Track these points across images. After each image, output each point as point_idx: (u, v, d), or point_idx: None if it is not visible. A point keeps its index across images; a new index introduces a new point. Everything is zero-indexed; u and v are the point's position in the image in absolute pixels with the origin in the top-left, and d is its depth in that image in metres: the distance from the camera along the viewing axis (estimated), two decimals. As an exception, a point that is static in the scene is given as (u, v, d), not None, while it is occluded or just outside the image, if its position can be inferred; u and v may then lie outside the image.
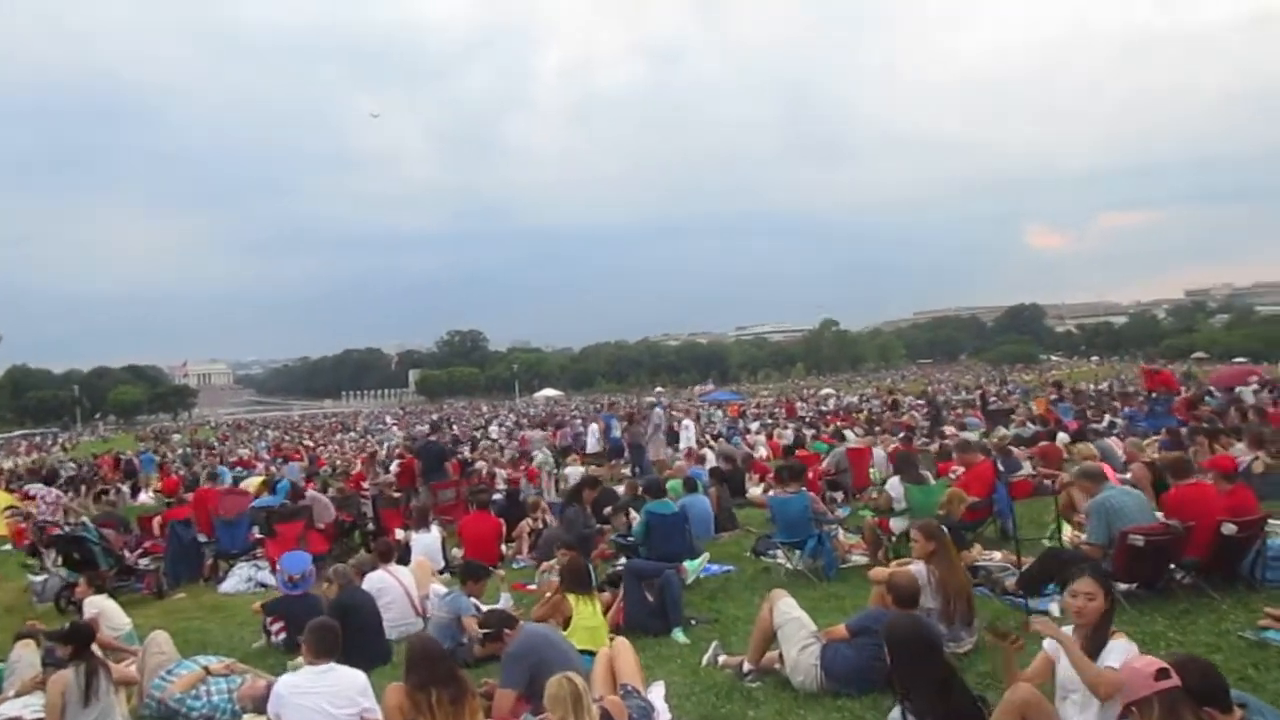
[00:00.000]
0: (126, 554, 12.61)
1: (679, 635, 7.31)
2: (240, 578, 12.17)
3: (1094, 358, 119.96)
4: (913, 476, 8.95)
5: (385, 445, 37.30)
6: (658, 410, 22.15)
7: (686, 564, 8.96)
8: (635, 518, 10.58)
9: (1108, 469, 10.27)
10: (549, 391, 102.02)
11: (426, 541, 11.42)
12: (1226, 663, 5.36)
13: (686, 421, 23.89)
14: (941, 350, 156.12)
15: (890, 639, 4.15)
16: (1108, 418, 20.63)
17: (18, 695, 6.80)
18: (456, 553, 12.12)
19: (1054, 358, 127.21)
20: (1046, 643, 4.44)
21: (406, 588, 8.75)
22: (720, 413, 36.01)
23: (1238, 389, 20.39)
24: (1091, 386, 42.04)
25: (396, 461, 20.85)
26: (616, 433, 21.55)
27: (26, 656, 7.37)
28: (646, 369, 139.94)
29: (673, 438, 21.71)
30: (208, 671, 6.81)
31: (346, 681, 5.25)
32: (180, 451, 45.80)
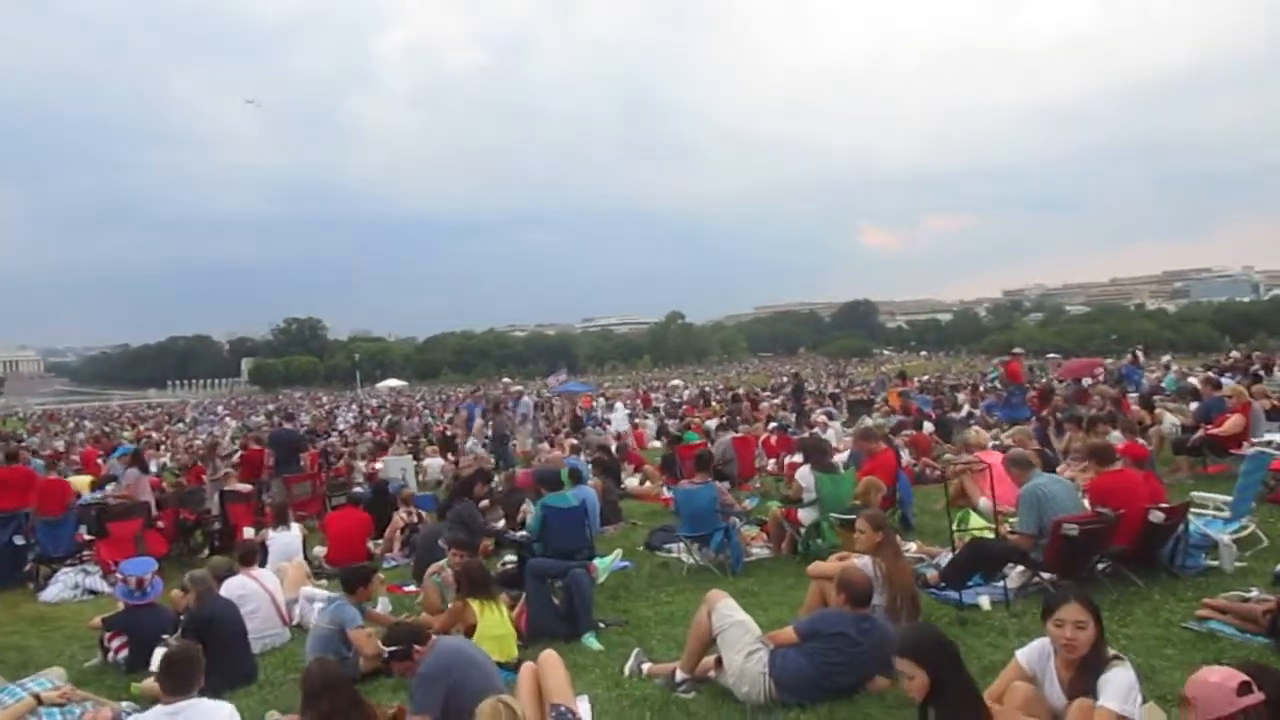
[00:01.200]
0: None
1: (591, 641, 6.68)
2: (65, 584, 10.69)
3: (923, 352, 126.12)
4: (823, 465, 8.61)
5: (227, 435, 34.93)
6: (526, 399, 21.40)
7: (597, 561, 8.34)
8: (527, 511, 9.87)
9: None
10: (393, 382, 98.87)
11: (286, 540, 10.34)
12: (1181, 656, 5.19)
13: (617, 405, 23.02)
14: (781, 344, 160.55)
15: (919, 650, 3.65)
16: (966, 408, 21.25)
17: None
18: (319, 551, 11.10)
19: (886, 351, 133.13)
20: (1023, 655, 4.05)
21: (272, 593, 7.78)
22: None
23: (1084, 380, 21.35)
24: (932, 378, 43.74)
25: (239, 453, 19.29)
26: (475, 423, 20.63)
27: None
28: (493, 359, 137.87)
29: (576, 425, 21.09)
30: (39, 700, 5.69)
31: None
32: None
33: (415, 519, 11.16)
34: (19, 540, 11.44)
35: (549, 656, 4.98)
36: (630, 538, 10.74)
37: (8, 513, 11.85)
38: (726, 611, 5.37)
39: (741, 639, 5.23)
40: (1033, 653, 3.98)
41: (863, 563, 5.66)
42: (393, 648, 4.73)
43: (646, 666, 5.91)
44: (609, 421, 25.21)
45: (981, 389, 26.61)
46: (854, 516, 7.56)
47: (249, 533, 12.16)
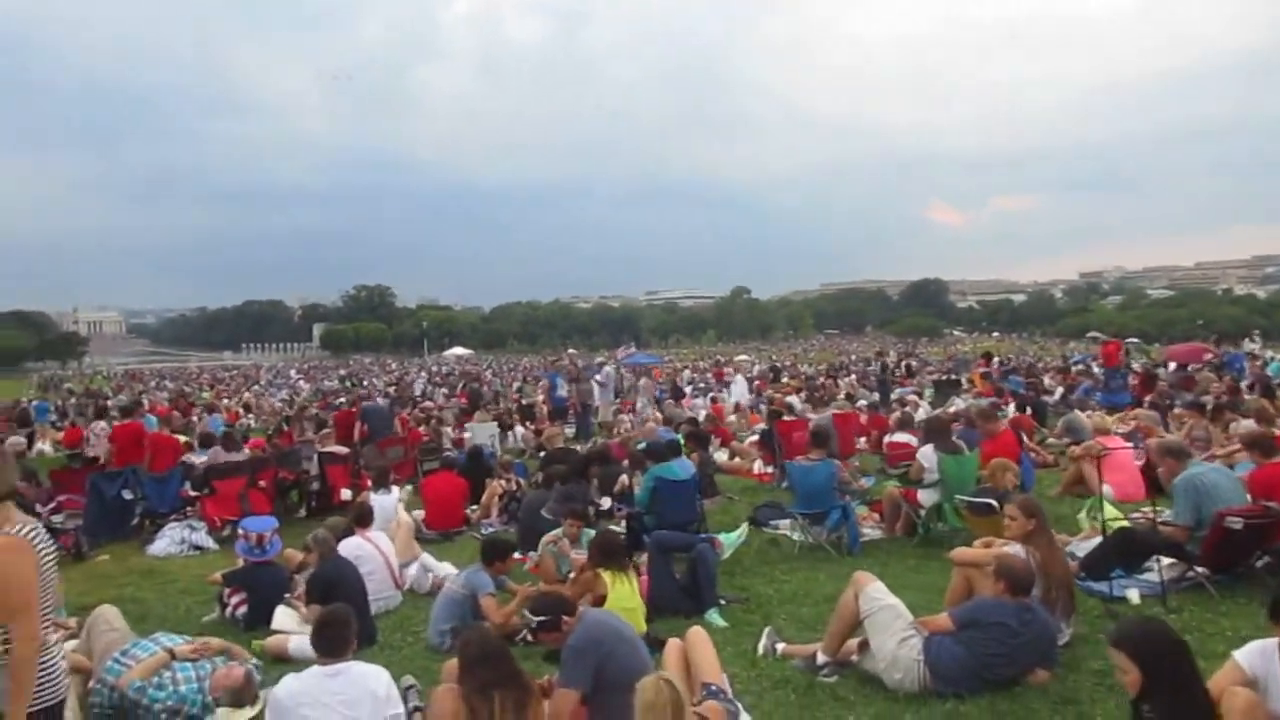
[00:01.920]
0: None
1: (716, 618, 6.51)
2: (172, 539, 10.85)
3: (995, 333, 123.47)
4: (947, 445, 8.29)
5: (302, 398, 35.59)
6: (607, 369, 21.31)
7: (722, 536, 8.17)
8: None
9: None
10: (458, 350, 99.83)
11: (386, 503, 10.29)
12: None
13: (737, 377, 22.64)
14: (848, 321, 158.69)
15: (1134, 645, 3.40)
16: (1059, 391, 20.61)
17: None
18: (417, 515, 11.11)
19: (957, 331, 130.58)
20: (1242, 657, 3.73)
21: (386, 556, 7.75)
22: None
23: (1191, 366, 20.53)
24: (1018, 360, 42.63)
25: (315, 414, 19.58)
26: (562, 392, 20.60)
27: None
28: (558, 330, 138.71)
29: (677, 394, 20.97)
30: (172, 655, 5.72)
31: (365, 683, 4.31)
32: (73, 401, 42.94)
33: (514, 486, 11.10)
34: (127, 495, 11.67)
35: (698, 633, 4.82)
36: (730, 513, 10.55)
37: (118, 468, 12.18)
38: (876, 595, 5.15)
39: (893, 624, 5.01)
40: (1254, 655, 3.67)
41: (1014, 550, 5.38)
42: (541, 618, 4.61)
43: (781, 647, 5.72)
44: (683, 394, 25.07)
45: (1073, 371, 25.77)
46: (984, 500, 7.32)
47: (346, 494, 12.31)
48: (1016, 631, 4.78)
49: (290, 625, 6.83)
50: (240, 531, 7.45)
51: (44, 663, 3.17)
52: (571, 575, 7.25)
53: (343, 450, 13.16)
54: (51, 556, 3.32)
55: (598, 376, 20.81)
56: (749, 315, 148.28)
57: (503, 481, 11.19)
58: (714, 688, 4.44)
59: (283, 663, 6.35)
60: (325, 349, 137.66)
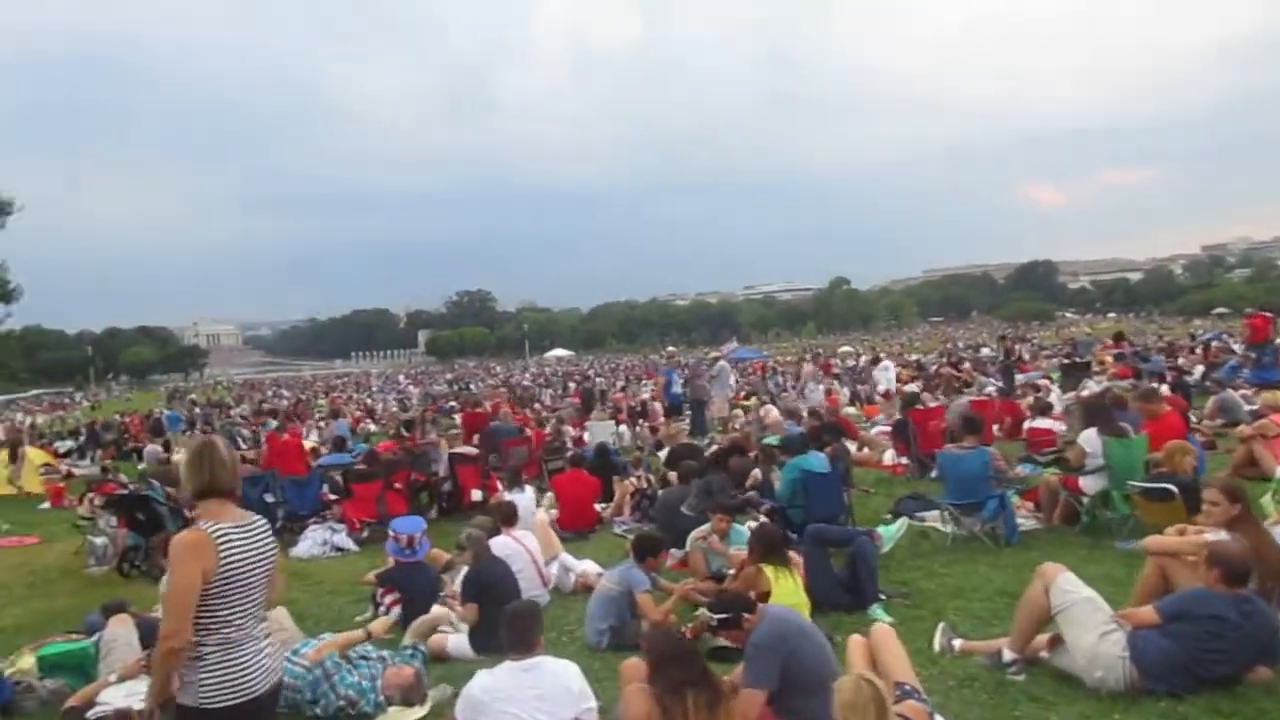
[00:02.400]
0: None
1: (880, 613, 6.26)
2: (314, 541, 11.13)
3: (1110, 314, 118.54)
4: (1111, 428, 7.83)
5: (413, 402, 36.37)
6: (723, 364, 21.10)
7: (881, 529, 7.92)
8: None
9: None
10: (559, 351, 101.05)
11: (522, 502, 10.33)
12: None
13: (886, 363, 22.04)
14: (953, 308, 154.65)
15: None
16: (1199, 369, 19.55)
17: (120, 680, 5.81)
18: (551, 513, 11.11)
19: (1068, 314, 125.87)
20: None
21: (533, 554, 7.72)
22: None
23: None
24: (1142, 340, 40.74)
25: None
26: (677, 388, 20.50)
27: (123, 635, 6.40)
28: (657, 328, 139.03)
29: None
30: (369, 635, 5.96)
31: (558, 679, 4.25)
32: (198, 411, 44.87)
33: (646, 484, 11.00)
34: (269, 498, 12.01)
35: (884, 630, 4.61)
36: (867, 505, 10.23)
37: (258, 473, 12.56)
38: (1068, 587, 4.84)
39: (1092, 617, 4.70)
40: None
41: (1217, 537, 5.00)
42: (722, 615, 4.47)
43: (959, 643, 5.45)
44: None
45: (1213, 347, 24.37)
46: (1162, 486, 6.89)
47: (476, 495, 12.43)
48: (1237, 624, 4.42)
49: (446, 625, 6.85)
50: (391, 533, 7.52)
51: (230, 661, 3.16)
52: (730, 572, 7.11)
53: (472, 451, 13.30)
54: (254, 554, 3.29)
55: (713, 372, 20.60)
56: (849, 306, 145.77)
57: (635, 479, 11.10)
58: (908, 687, 4.22)
59: (441, 661, 6.39)
60: (430, 354, 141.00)
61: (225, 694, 3.15)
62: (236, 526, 3.22)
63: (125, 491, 10.81)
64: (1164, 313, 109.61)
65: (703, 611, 4.53)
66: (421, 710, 5.45)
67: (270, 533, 3.41)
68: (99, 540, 11.72)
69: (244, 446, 23.09)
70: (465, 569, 7.89)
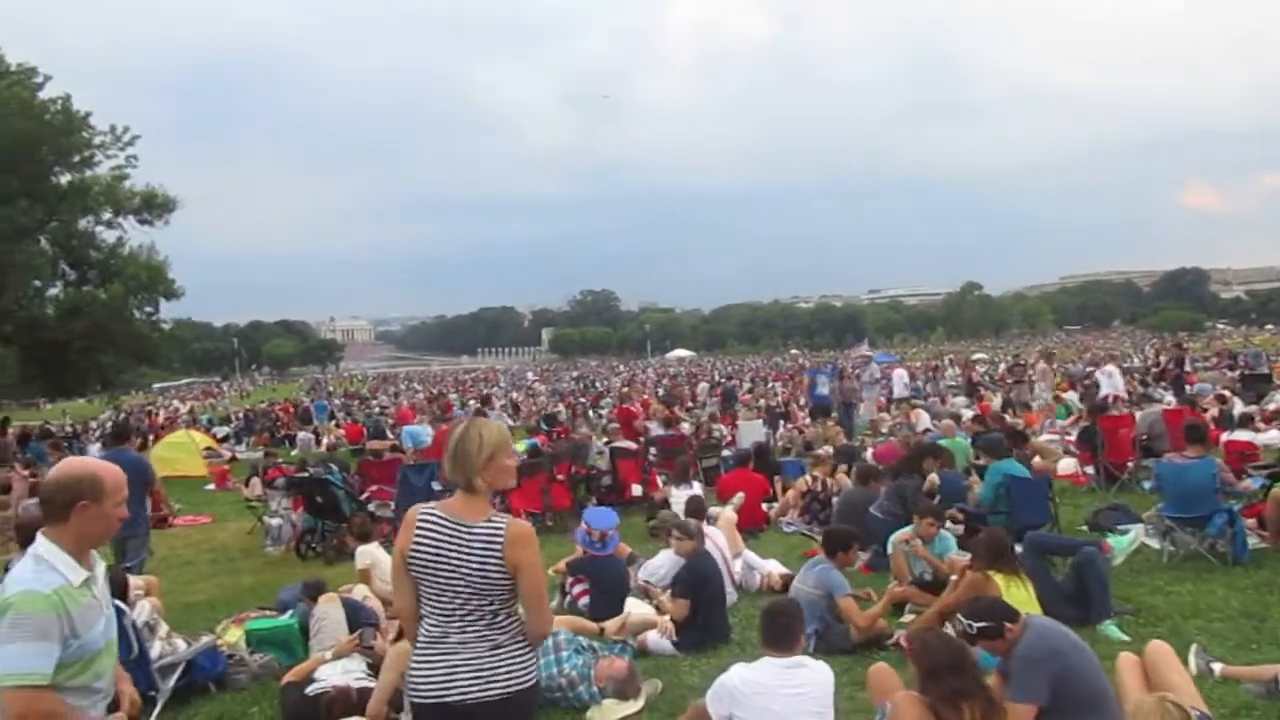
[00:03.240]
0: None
1: (1112, 630, 5.83)
2: (480, 531, 11.25)
3: (1269, 326, 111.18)
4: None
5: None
6: (874, 365, 20.58)
7: (1111, 539, 7.46)
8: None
9: None
10: (680, 352, 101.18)
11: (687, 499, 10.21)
12: None
13: (1109, 368, 20.98)
14: (1092, 316, 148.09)
15: None
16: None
17: (335, 657, 5.88)
18: (715, 511, 10.93)
19: (1221, 325, 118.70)
20: None
21: (723, 551, 7.54)
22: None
23: None
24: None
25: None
26: (823, 389, 20.06)
27: (333, 613, 6.48)
28: (779, 330, 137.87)
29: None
30: (602, 632, 5.89)
31: (820, 683, 4.07)
32: (337, 402, 46.58)
33: (819, 485, 10.69)
34: (436, 486, 12.21)
35: (1161, 648, 4.23)
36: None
37: (424, 461, 12.82)
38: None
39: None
40: None
41: None
42: (983, 623, 4.17)
43: (1218, 667, 5.00)
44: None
45: None
46: None
47: (636, 490, 12.36)
48: None
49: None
50: (584, 524, 7.45)
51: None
52: (928, 578, 6.78)
53: (633, 445, 13.23)
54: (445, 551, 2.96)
55: (865, 374, 20.13)
56: (981, 312, 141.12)
57: (808, 479, 10.79)
58: (1199, 713, 3.84)
59: (642, 656, 6.26)
60: (553, 352, 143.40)
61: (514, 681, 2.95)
62: (447, 519, 2.95)
63: (305, 474, 11.08)
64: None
65: (958, 617, 4.22)
66: (636, 704, 5.33)
67: (492, 540, 2.91)
68: (274, 521, 12.14)
69: (390, 436, 23.88)
70: (649, 562, 7.82)
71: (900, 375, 24.16)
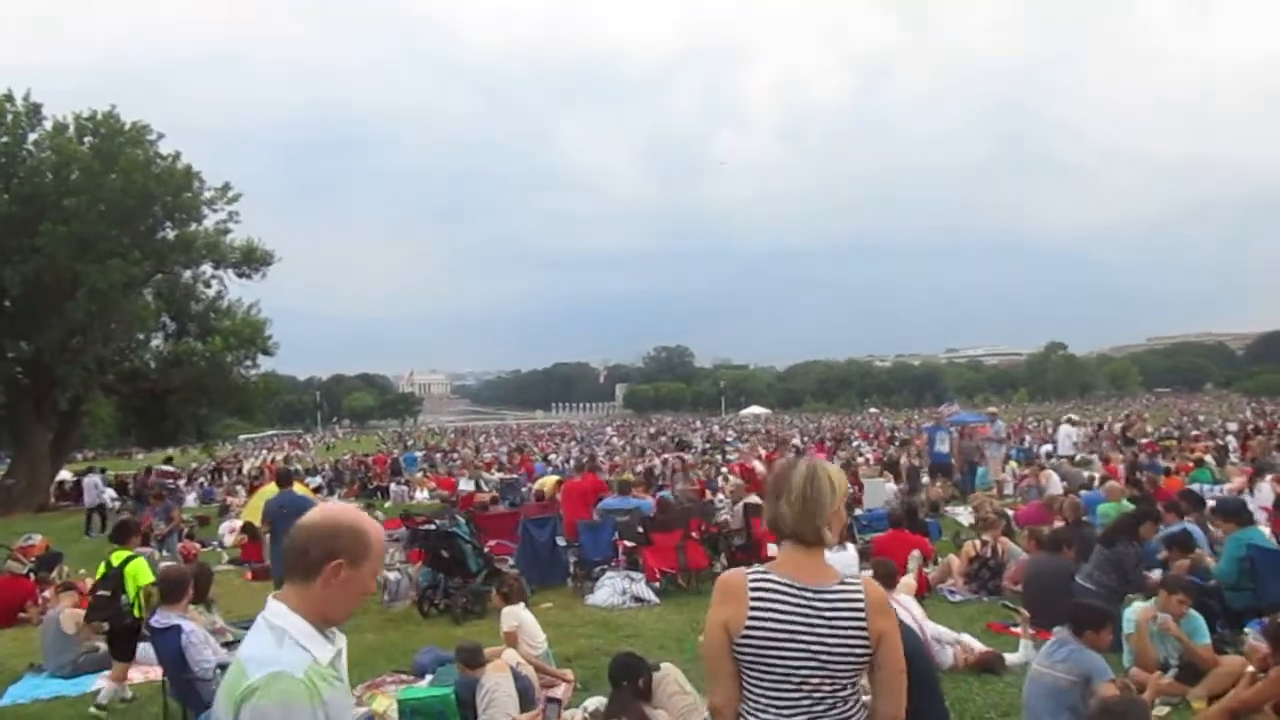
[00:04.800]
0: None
1: None
2: (613, 589, 10.50)
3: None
4: None
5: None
6: (998, 423, 19.53)
7: None
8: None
9: None
10: (755, 409, 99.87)
11: (846, 561, 9.39)
12: None
13: None
14: (1182, 379, 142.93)
15: None
16: None
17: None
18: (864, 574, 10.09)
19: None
20: None
21: (920, 624, 6.72)
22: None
23: None
24: None
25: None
26: (942, 447, 19.07)
27: (504, 685, 5.84)
28: (855, 389, 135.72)
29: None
30: None
31: None
32: (421, 454, 46.58)
33: (988, 551, 9.75)
34: (560, 541, 11.60)
35: None
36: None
37: (546, 515, 12.21)
38: None
39: None
40: None
41: None
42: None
43: None
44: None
45: None
46: None
47: (773, 549, 11.55)
48: None
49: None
50: None
51: None
52: (1175, 664, 5.86)
53: (759, 500, 12.46)
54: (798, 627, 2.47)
55: (989, 432, 19.09)
56: (1065, 373, 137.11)
57: (977, 543, 9.87)
58: None
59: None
60: (628, 408, 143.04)
61: None
62: (791, 584, 2.38)
63: (431, 527, 10.54)
64: None
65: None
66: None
67: (853, 606, 2.36)
68: (392, 575, 11.61)
69: (484, 489, 23.46)
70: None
71: (1068, 433, 23.02)
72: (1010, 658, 6.93)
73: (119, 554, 7.73)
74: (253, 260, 30.07)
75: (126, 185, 24.81)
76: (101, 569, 7.78)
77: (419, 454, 45.39)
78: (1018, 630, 8.04)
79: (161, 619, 6.12)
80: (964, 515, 14.49)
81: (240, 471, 36.54)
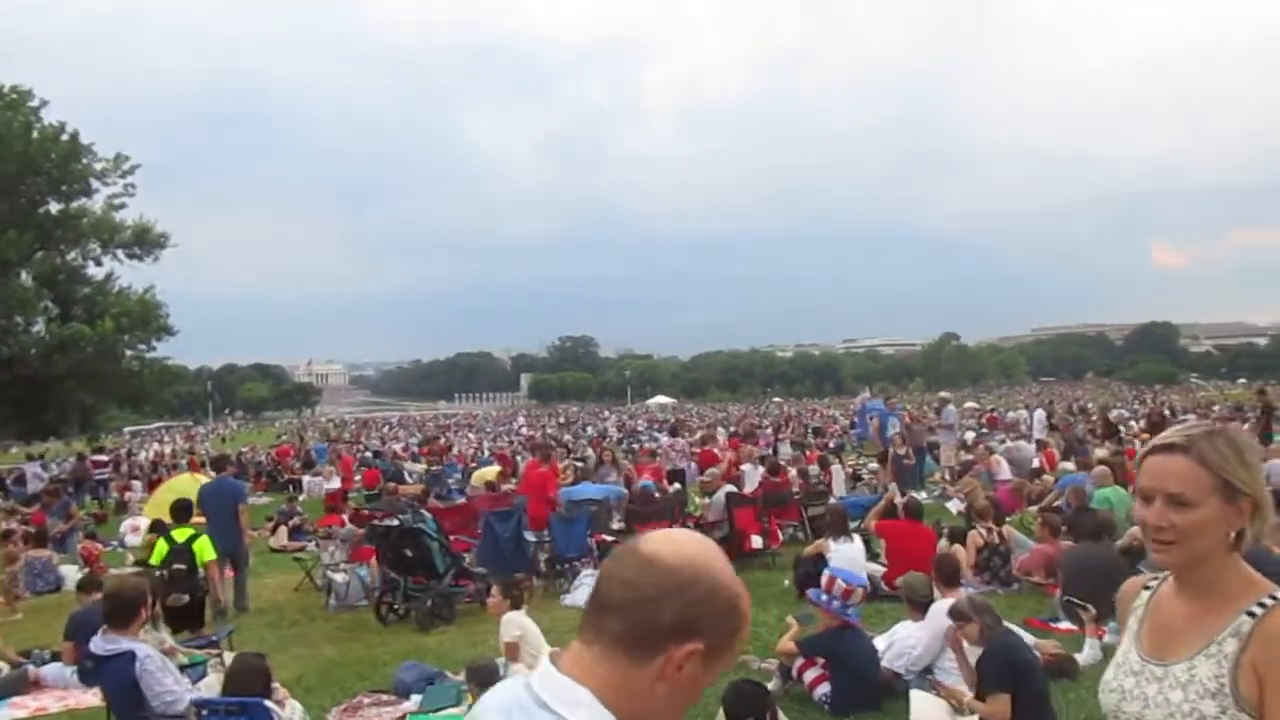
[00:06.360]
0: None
1: None
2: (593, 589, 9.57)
3: (1240, 380, 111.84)
4: None
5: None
6: (950, 408, 19.23)
7: None
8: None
9: None
10: (661, 399, 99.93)
11: (852, 554, 8.70)
12: None
13: None
14: (1065, 368, 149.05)
15: None
16: None
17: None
18: (875, 568, 9.42)
19: (1194, 379, 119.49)
20: None
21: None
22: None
23: None
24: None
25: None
26: (893, 432, 18.68)
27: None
28: (758, 379, 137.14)
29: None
30: None
31: None
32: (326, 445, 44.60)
33: (995, 538, 9.19)
34: (530, 536, 10.61)
35: None
36: None
37: (507, 508, 11.20)
38: None
39: None
40: None
41: None
42: None
43: None
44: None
45: None
46: None
47: (756, 541, 10.82)
48: None
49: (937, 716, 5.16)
50: (827, 575, 5.92)
51: None
52: None
53: (742, 491, 11.68)
54: None
55: (941, 419, 18.80)
56: (958, 363, 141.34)
57: (980, 532, 9.29)
58: None
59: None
60: (532, 398, 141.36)
61: None
62: None
63: (395, 523, 9.41)
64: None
65: None
66: None
67: None
68: (339, 578, 10.46)
69: (410, 480, 22.19)
70: (878, 638, 6.29)
71: (1040, 416, 22.96)
72: (1080, 658, 6.31)
73: (182, 531, 8.51)
74: (146, 241, 27.84)
75: (3, 153, 22.53)
76: (164, 546, 8.35)
77: (325, 445, 43.52)
78: (1059, 626, 7.50)
79: (107, 644, 4.96)
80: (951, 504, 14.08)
81: (126, 465, 34.28)
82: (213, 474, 26.54)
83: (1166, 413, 29.84)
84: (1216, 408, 38.84)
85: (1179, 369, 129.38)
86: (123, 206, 27.03)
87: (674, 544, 1.30)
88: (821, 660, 5.72)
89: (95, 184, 26.17)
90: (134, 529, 16.45)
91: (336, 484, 23.64)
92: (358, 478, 24.94)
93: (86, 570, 11.98)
